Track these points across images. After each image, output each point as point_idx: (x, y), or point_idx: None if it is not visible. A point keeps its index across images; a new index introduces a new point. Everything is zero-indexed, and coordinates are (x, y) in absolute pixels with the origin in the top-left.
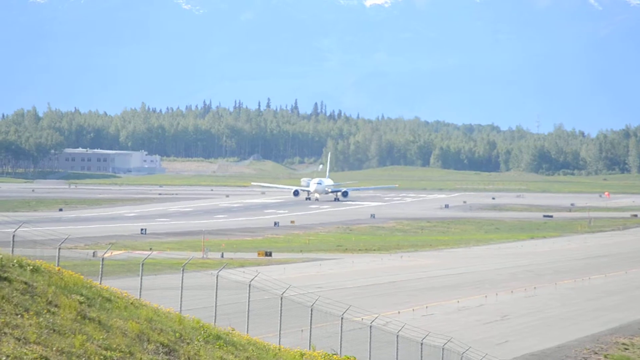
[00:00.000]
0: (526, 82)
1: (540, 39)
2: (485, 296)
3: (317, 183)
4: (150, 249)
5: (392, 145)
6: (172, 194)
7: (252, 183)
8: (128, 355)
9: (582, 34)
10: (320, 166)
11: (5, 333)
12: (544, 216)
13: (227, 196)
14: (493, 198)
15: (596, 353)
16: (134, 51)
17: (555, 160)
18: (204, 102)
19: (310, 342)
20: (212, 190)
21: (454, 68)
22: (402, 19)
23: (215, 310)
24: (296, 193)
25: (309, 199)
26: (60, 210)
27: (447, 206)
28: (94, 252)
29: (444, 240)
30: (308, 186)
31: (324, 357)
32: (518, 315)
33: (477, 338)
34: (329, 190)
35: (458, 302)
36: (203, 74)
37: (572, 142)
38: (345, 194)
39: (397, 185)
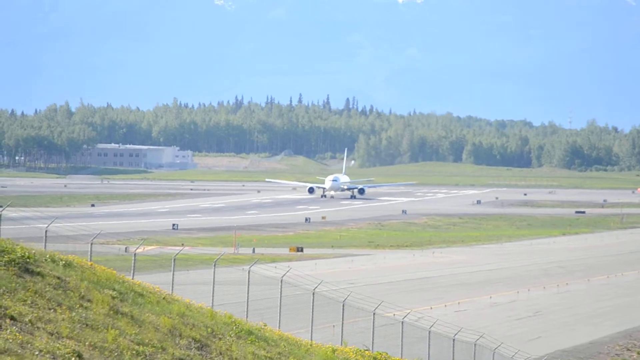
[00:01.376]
0: (558, 78)
1: (572, 33)
2: (517, 292)
3: (333, 180)
4: (182, 244)
5: (424, 140)
6: (204, 190)
7: (267, 179)
8: (160, 350)
9: (615, 28)
10: (352, 162)
11: (38, 327)
12: (576, 212)
13: (259, 192)
14: (525, 194)
15: (629, 350)
16: (166, 47)
17: (587, 156)
18: (236, 97)
19: (342, 337)
20: (243, 185)
21: (485, 64)
22: (434, 14)
23: (247, 305)
24: (311, 190)
25: (325, 196)
26: (93, 205)
27: (479, 202)
28: (126, 248)
29: (476, 237)
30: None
31: (356, 353)
32: (550, 312)
33: (509, 334)
34: (345, 187)
35: (490, 298)
36: (234, 70)
37: (604, 138)
38: (362, 191)
39: (415, 182)
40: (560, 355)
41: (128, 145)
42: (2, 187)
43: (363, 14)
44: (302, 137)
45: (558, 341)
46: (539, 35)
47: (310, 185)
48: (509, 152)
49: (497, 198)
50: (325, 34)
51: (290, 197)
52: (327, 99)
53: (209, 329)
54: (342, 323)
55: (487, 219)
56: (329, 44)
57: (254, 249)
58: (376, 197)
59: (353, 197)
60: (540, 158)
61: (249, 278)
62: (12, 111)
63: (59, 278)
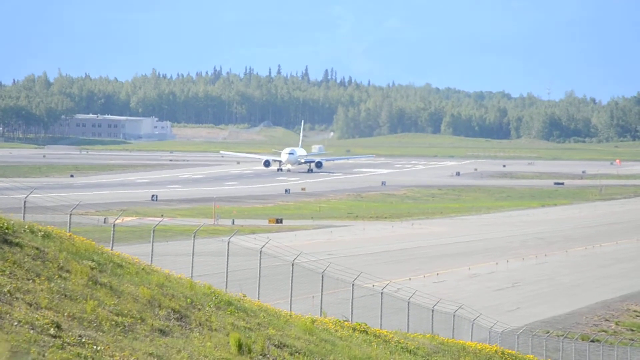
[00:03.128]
0: (537, 49)
1: (552, 6)
2: (496, 263)
3: (289, 153)
4: (162, 215)
5: (403, 112)
6: (183, 161)
7: (221, 152)
8: (139, 320)
9: (594, 1)
10: (331, 133)
11: (17, 298)
12: (555, 184)
13: (238, 163)
14: (504, 165)
15: (607, 320)
16: (145, 17)
17: (566, 127)
18: (215, 68)
19: (321, 308)
20: (222, 156)
21: (465, 36)
22: None
23: (227, 276)
24: (267, 163)
25: (281, 169)
26: (72, 176)
27: (458, 174)
28: (105, 219)
29: (455, 208)
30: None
31: (335, 324)
32: (529, 282)
33: (488, 305)
34: (302, 160)
35: (469, 269)
36: (214, 41)
37: (583, 110)
38: (319, 164)
39: (374, 155)
40: (539, 325)
41: (106, 116)
42: None
43: None
44: (281, 108)
45: (537, 312)
46: (519, 7)
47: (266, 158)
48: (488, 123)
49: (476, 169)
50: (306, 6)
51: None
52: (306, 70)
53: (188, 300)
54: (322, 294)
55: (466, 191)
56: (309, 15)
57: (233, 220)
58: (334, 170)
59: (310, 170)
60: (519, 129)
61: (228, 249)
62: None
63: (37, 249)
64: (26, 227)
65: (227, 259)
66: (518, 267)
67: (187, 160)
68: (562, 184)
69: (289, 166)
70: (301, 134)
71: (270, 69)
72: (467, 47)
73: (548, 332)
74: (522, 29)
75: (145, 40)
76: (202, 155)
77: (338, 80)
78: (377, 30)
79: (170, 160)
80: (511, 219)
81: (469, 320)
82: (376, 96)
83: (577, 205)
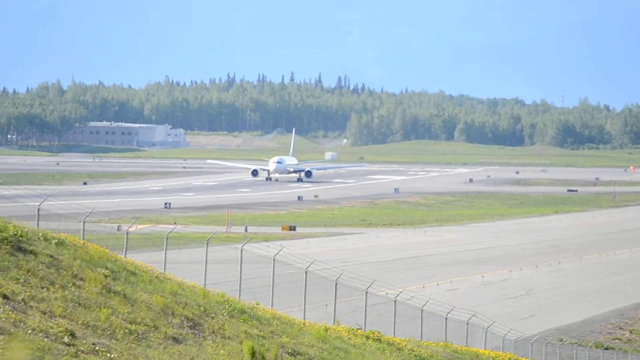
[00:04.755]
0: (550, 57)
1: (564, 12)
2: (510, 271)
3: (277, 162)
4: (175, 223)
5: (417, 119)
6: (196, 168)
7: (209, 160)
8: (153, 328)
9: (607, 7)
10: (344, 140)
11: (31, 306)
12: (569, 190)
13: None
14: (517, 172)
15: (621, 328)
16: (158, 25)
17: (580, 134)
18: (228, 75)
19: (334, 316)
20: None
21: (477, 42)
22: None
23: (240, 284)
24: (255, 173)
25: (270, 179)
26: (85, 183)
27: (471, 180)
28: (118, 226)
29: (468, 215)
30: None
31: (349, 332)
32: (543, 290)
33: (501, 313)
34: (291, 169)
35: (482, 276)
36: (226, 48)
37: (597, 116)
38: (308, 173)
39: (366, 165)
40: (553, 333)
41: (120, 124)
42: None
43: None
44: (295, 115)
45: (551, 320)
46: (531, 14)
47: (254, 167)
48: (501, 130)
49: (489, 176)
50: (318, 13)
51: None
52: (319, 77)
53: (202, 308)
54: (335, 302)
55: (480, 198)
56: (322, 22)
57: (246, 227)
58: (325, 179)
59: (300, 180)
60: (533, 136)
61: (241, 257)
62: (4, 89)
63: (51, 256)
64: (40, 234)
65: (240, 266)
66: (532, 275)
67: (201, 168)
68: (576, 191)
69: (277, 175)
70: (292, 142)
71: (283, 76)
72: (480, 53)
73: (562, 340)
74: (534, 35)
75: (158, 47)
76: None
77: (351, 87)
78: (389, 36)
79: (184, 168)
80: (524, 226)
81: (483, 328)
82: (389, 103)
83: (590, 212)
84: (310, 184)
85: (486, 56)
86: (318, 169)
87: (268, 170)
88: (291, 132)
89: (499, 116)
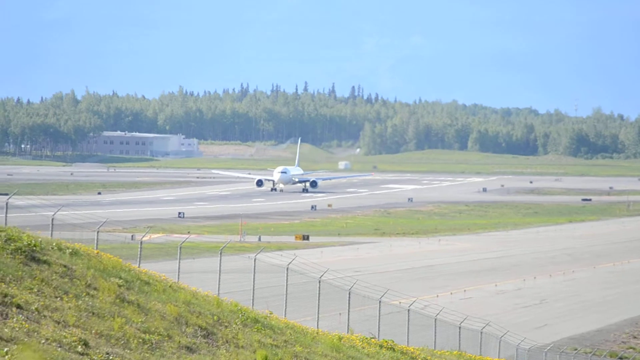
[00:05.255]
0: (563, 66)
1: (577, 21)
2: (524, 280)
3: (282, 172)
4: (188, 232)
5: (430, 128)
6: (210, 177)
7: (213, 170)
8: (167, 338)
9: (620, 16)
10: (358, 149)
11: (44, 316)
12: (583, 200)
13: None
14: (531, 182)
15: (635, 337)
16: (172, 34)
17: (593, 143)
18: (241, 85)
19: (348, 325)
20: (249, 173)
21: (490, 51)
22: (439, 2)
23: (253, 293)
24: (259, 183)
25: (275, 189)
26: (99, 193)
27: (485, 190)
28: (132, 236)
29: (482, 224)
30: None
31: (362, 341)
32: (556, 299)
33: (515, 322)
34: (296, 180)
35: (496, 285)
36: (239, 58)
37: (610, 126)
38: (314, 183)
39: (372, 174)
40: (567, 342)
41: (134, 133)
42: (8, 175)
43: (369, 2)
44: (308, 125)
45: (565, 329)
46: (544, 23)
47: (258, 177)
48: (515, 140)
49: (503, 186)
50: (330, 22)
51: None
52: (333, 87)
53: (215, 317)
54: (348, 311)
55: (493, 207)
56: (334, 32)
57: (260, 237)
58: (338, 189)
59: (305, 190)
60: (546, 146)
61: (254, 266)
62: (18, 99)
63: (65, 266)
64: (54, 244)
65: (254, 276)
66: (545, 284)
67: (215, 178)
68: (590, 200)
69: (281, 185)
70: (297, 152)
71: (297, 86)
72: (493, 62)
73: (576, 350)
74: (546, 45)
75: (172, 57)
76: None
77: (365, 97)
78: (401, 46)
79: (197, 178)
80: (538, 235)
81: (496, 337)
82: (403, 112)
83: (604, 221)
84: (324, 193)
85: (499, 65)
86: (324, 179)
87: (273, 181)
88: (305, 141)
89: (512, 126)
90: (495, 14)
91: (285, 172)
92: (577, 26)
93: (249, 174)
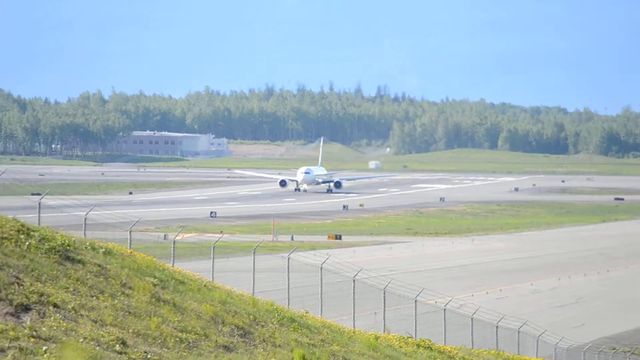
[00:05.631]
0: (593, 64)
1: (607, 19)
2: (559, 279)
3: (306, 172)
4: (221, 231)
5: (459, 127)
6: (241, 177)
7: (235, 170)
8: (203, 337)
9: None
10: (388, 149)
11: (81, 315)
12: (615, 199)
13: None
14: (563, 181)
15: None
16: (197, 34)
17: (624, 142)
18: (267, 84)
19: (384, 324)
20: (279, 173)
21: (519, 50)
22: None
23: (288, 292)
24: (283, 183)
25: (298, 189)
26: (130, 193)
27: (517, 189)
28: (165, 235)
29: (515, 224)
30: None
31: (399, 340)
32: (592, 298)
33: (552, 321)
34: (320, 180)
35: (531, 285)
36: (263, 57)
37: None
38: (338, 184)
39: (396, 175)
40: (605, 342)
41: (163, 133)
42: (40, 175)
43: (395, 0)
44: (336, 124)
45: (602, 328)
46: (573, 21)
47: (282, 178)
48: (545, 138)
49: (534, 185)
50: (355, 21)
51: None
52: (359, 86)
53: (251, 316)
54: (384, 310)
55: (526, 206)
56: (358, 30)
57: (292, 236)
58: (362, 189)
59: (329, 190)
60: (577, 145)
61: (288, 265)
62: (46, 99)
63: (99, 266)
64: (87, 244)
65: (288, 275)
66: (580, 283)
67: (245, 177)
68: (622, 199)
69: (305, 186)
70: (320, 151)
71: (322, 85)
72: (522, 61)
73: (614, 349)
74: (576, 43)
75: (196, 57)
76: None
77: (391, 96)
78: (428, 45)
79: (228, 177)
80: (571, 235)
81: (534, 336)
82: (431, 111)
83: (638, 220)
84: (352, 194)
85: (527, 64)
86: (348, 179)
87: (296, 181)
88: (334, 140)
89: (542, 124)
90: (524, 12)
91: (308, 173)
92: (606, 24)
93: (279, 173)
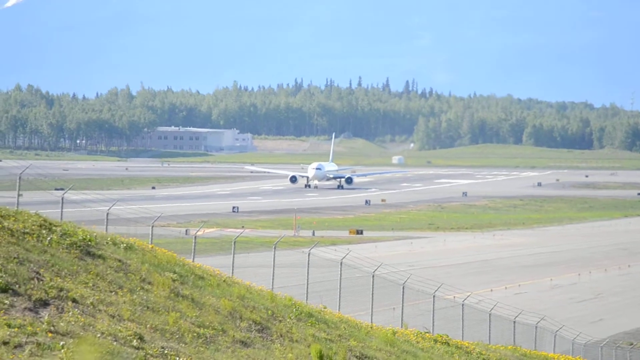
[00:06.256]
0: (619, 59)
1: (633, 14)
2: (579, 274)
3: (316, 168)
4: (243, 227)
5: (484, 123)
6: (264, 172)
7: (245, 167)
8: (221, 332)
9: None
10: (412, 144)
11: (100, 310)
12: (639, 194)
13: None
14: (586, 176)
15: None
16: (226, 30)
17: None
18: (295, 80)
19: (402, 320)
20: (302, 168)
21: (546, 45)
22: None
23: (307, 287)
24: (293, 179)
25: (309, 185)
26: (153, 188)
27: (539, 184)
28: (186, 230)
29: (537, 219)
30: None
31: (417, 335)
32: (612, 294)
33: (570, 316)
34: (331, 176)
35: (551, 280)
36: (294, 53)
37: None
38: (349, 180)
39: (408, 171)
40: (623, 337)
41: (188, 128)
42: (64, 170)
43: None
44: (362, 120)
45: (620, 323)
46: (599, 16)
47: (292, 174)
48: (570, 134)
49: (558, 180)
50: (384, 17)
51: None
52: (387, 81)
53: (269, 312)
54: (402, 305)
55: (548, 201)
56: (388, 26)
57: (313, 231)
58: (367, 186)
59: (340, 187)
60: (602, 140)
61: (308, 260)
62: (74, 95)
63: (120, 261)
64: (109, 239)
65: (308, 270)
66: (601, 278)
67: (269, 172)
68: None
69: (316, 182)
70: (332, 147)
71: (350, 81)
72: (549, 56)
73: (632, 344)
74: (602, 38)
75: (226, 53)
76: (283, 167)
77: (419, 91)
78: (457, 40)
79: (251, 172)
80: (593, 230)
81: (552, 331)
82: (457, 107)
83: None
84: (377, 188)
85: (554, 59)
86: (359, 175)
87: (307, 177)
88: (359, 136)
89: (567, 120)
90: (550, 7)
91: (319, 169)
92: (632, 19)
93: (302, 168)
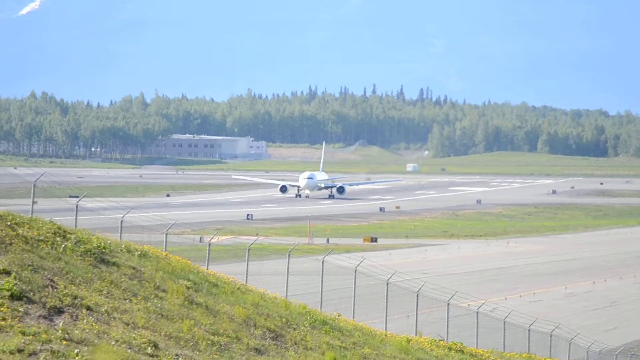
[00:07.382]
0: (634, 67)
1: None
2: (594, 282)
3: (308, 178)
4: (257, 234)
5: (499, 130)
6: (278, 180)
7: (233, 176)
8: (235, 340)
9: None
10: (426, 152)
11: (114, 318)
12: None
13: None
14: (601, 184)
15: None
16: (240, 39)
17: None
18: (310, 88)
19: (416, 327)
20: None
21: (560, 52)
22: (508, 3)
23: (321, 295)
24: (284, 189)
25: (299, 195)
26: (168, 195)
27: (554, 192)
28: (200, 238)
29: (552, 226)
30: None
31: (431, 343)
32: (627, 302)
33: (585, 324)
34: (322, 185)
35: (566, 288)
36: (308, 60)
37: None
38: (340, 189)
39: (402, 180)
40: (638, 345)
41: (203, 136)
42: (78, 177)
43: (437, 3)
44: (376, 127)
45: (635, 331)
46: (614, 23)
47: (282, 183)
48: (585, 141)
49: (572, 187)
50: (399, 24)
51: (364, 188)
52: (401, 89)
53: (284, 319)
54: (417, 313)
55: (563, 209)
56: (402, 34)
57: (328, 239)
58: (360, 196)
59: (331, 196)
60: (617, 147)
61: (322, 268)
62: (88, 102)
63: (134, 268)
64: (123, 246)
65: (322, 278)
66: (616, 287)
67: (283, 180)
68: None
69: (307, 192)
70: (322, 155)
71: (365, 88)
72: (564, 64)
73: None
74: (617, 45)
75: (241, 61)
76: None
77: (434, 99)
78: (472, 47)
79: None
80: (609, 238)
81: (566, 339)
82: (472, 114)
83: None
84: (391, 195)
85: (569, 66)
86: (350, 185)
87: (298, 187)
88: (373, 144)
89: (582, 127)
90: (565, 14)
91: (311, 178)
92: None
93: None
